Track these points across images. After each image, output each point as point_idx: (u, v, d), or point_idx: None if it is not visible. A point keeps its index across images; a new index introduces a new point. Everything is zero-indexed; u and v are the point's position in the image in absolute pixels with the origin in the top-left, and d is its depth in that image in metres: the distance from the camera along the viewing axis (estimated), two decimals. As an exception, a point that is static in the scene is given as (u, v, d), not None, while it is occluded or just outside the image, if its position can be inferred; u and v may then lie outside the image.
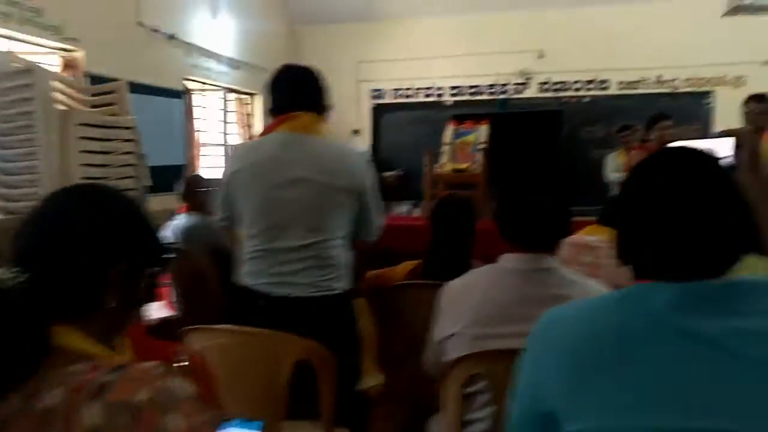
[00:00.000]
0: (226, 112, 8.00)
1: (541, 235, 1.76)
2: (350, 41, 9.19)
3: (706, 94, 8.31)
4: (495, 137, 5.79)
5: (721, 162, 1.03)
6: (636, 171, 1.10)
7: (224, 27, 7.48)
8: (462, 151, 5.77)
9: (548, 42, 8.57)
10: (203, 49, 6.99)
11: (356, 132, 9.22)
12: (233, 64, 7.72)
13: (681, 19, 8.17)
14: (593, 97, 8.60)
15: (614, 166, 6.45)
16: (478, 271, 1.88)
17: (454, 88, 9.01)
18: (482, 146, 5.69)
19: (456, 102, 8.91)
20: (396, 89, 9.19)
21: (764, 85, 6.47)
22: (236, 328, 2.05)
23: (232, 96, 8.06)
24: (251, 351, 2.00)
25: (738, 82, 8.11)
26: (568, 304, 1.14)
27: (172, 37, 6.37)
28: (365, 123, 9.29)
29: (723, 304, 0.98)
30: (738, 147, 2.19)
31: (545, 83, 8.73)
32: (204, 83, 7.22)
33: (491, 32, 8.77)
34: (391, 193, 7.25)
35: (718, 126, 7.62)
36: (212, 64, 7.24)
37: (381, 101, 9.22)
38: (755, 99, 4.62)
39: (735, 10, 6.80)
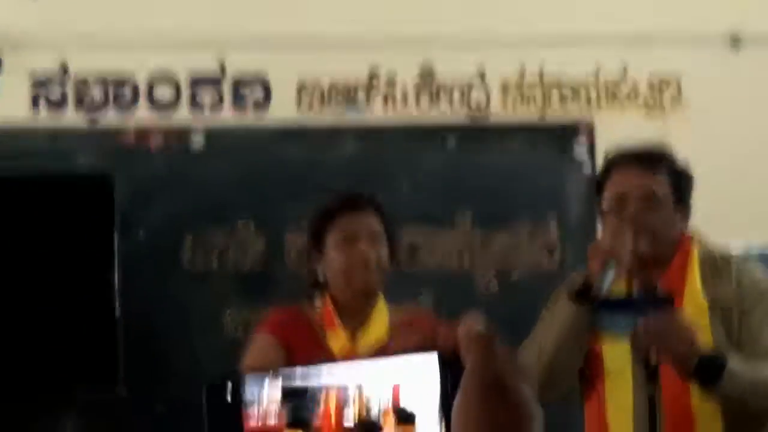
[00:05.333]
0: None
1: None
2: None
3: (568, 131, 3.44)
4: None
5: None
6: None
7: None
8: None
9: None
10: None
11: None
12: None
13: None
14: (222, 133, 3.38)
15: None
16: None
17: None
18: None
19: None
20: None
21: (732, 105, 3.29)
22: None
23: None
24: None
25: (657, 94, 3.49)
26: None
27: None
28: None
29: None
30: (451, 368, 1.20)
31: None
32: None
33: None
34: None
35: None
36: None
37: None
38: (628, 160, 2.15)
39: None
